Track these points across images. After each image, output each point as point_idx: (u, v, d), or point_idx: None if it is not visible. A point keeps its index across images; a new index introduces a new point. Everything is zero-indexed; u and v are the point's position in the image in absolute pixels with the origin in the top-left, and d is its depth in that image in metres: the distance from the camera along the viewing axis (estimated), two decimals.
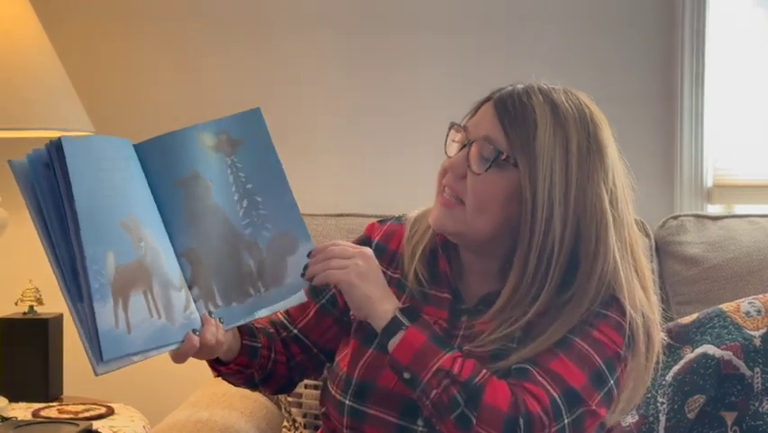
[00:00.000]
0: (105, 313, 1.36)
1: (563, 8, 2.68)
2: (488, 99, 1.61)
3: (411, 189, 2.45)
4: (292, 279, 1.53)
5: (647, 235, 2.39)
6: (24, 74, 2.30)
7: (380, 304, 1.52)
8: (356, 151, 2.73)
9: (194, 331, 1.46)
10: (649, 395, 2.05)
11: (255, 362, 1.64)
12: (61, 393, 2.51)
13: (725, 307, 2.13)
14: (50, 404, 2.39)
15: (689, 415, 2.03)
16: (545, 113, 1.54)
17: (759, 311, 2.10)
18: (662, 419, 2.03)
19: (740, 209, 2.66)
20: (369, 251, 1.56)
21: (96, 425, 2.22)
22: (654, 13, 2.65)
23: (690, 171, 2.64)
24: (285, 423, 2.21)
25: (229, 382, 1.72)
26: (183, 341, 1.45)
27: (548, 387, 1.46)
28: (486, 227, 1.55)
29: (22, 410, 2.34)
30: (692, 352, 2.06)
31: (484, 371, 1.46)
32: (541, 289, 1.52)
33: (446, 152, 1.62)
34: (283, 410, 2.19)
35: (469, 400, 1.44)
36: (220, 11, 2.74)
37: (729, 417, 2.04)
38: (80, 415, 2.29)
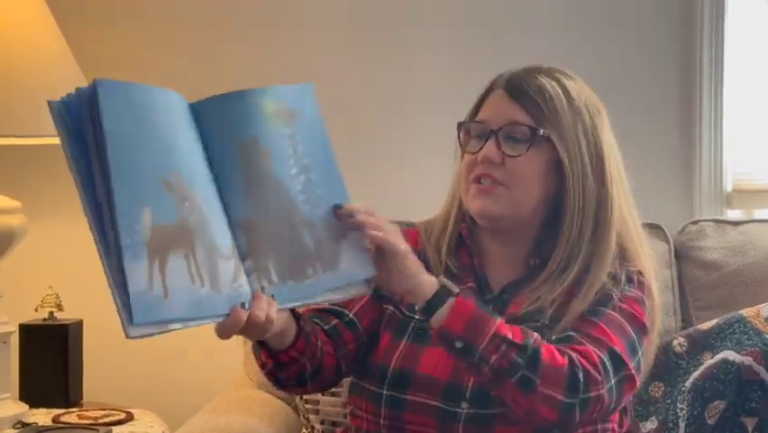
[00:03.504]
0: (138, 273, 1.27)
1: (581, 12, 2.67)
2: (490, 89, 1.69)
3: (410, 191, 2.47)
4: (346, 265, 1.44)
5: (666, 240, 2.38)
6: (42, 80, 2.31)
7: (425, 276, 1.50)
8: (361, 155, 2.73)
9: (242, 305, 1.36)
10: (668, 401, 2.04)
11: (309, 349, 1.58)
12: (81, 399, 2.51)
13: (745, 312, 2.12)
14: (70, 410, 2.40)
15: (709, 421, 2.02)
16: (554, 87, 1.64)
17: None
18: (682, 425, 2.02)
19: (760, 214, 2.64)
20: None
21: (115, 431, 2.22)
22: (673, 18, 2.64)
23: (709, 176, 2.63)
24: (304, 430, 2.21)
25: (278, 382, 1.63)
26: (229, 314, 1.36)
27: (594, 348, 1.53)
28: (531, 204, 1.64)
29: (42, 416, 2.35)
30: (712, 358, 2.05)
31: (536, 334, 1.52)
32: (575, 254, 1.62)
33: (465, 151, 1.67)
34: (302, 417, 2.19)
35: (529, 363, 1.47)
36: (237, 13, 2.74)
37: (750, 423, 2.03)
38: (100, 421, 2.30)
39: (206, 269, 1.32)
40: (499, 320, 1.50)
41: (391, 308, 1.67)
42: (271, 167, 1.41)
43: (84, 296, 2.67)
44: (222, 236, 1.35)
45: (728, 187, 2.65)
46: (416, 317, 1.62)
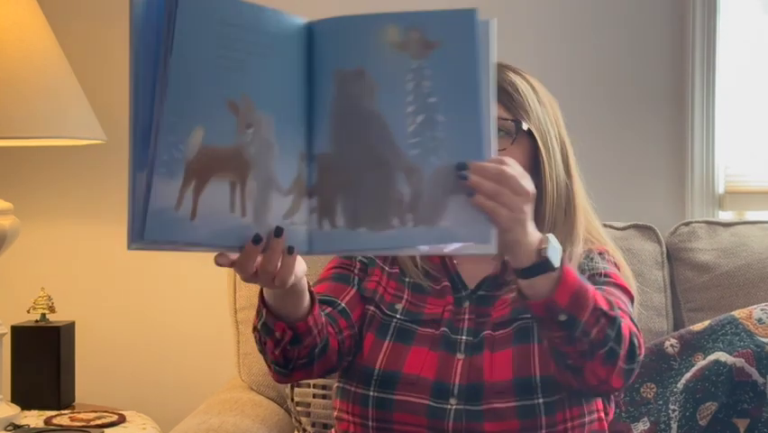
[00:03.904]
0: (166, 190, 1.21)
1: (572, 13, 2.67)
2: None
3: None
4: (449, 223, 1.28)
5: (658, 242, 2.38)
6: (35, 82, 2.31)
7: (532, 245, 1.39)
8: None
9: (289, 250, 1.29)
10: (660, 402, 2.05)
11: (320, 319, 1.55)
12: (73, 401, 2.51)
13: (737, 314, 2.12)
14: (62, 412, 2.39)
15: (701, 422, 2.02)
16: (523, 82, 1.67)
17: None
18: (674, 426, 2.02)
19: (752, 216, 2.65)
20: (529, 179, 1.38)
21: None
22: (665, 19, 2.65)
23: (701, 178, 2.63)
24: (295, 432, 2.21)
25: (287, 364, 1.56)
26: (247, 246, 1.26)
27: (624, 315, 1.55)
28: None
29: (33, 418, 2.35)
30: (704, 359, 2.06)
31: (612, 299, 1.52)
32: None
33: None
34: (293, 419, 2.20)
35: (616, 335, 1.47)
36: None
37: (742, 424, 2.04)
38: (92, 423, 2.30)
39: (254, 201, 1.26)
40: (592, 288, 1.46)
41: (372, 308, 1.68)
42: (375, 102, 1.28)
43: (76, 298, 2.67)
44: (285, 170, 1.27)
45: (720, 188, 2.65)
46: (398, 316, 1.66)
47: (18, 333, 2.46)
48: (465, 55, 1.28)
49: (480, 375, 1.59)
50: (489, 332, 1.62)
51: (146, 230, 1.20)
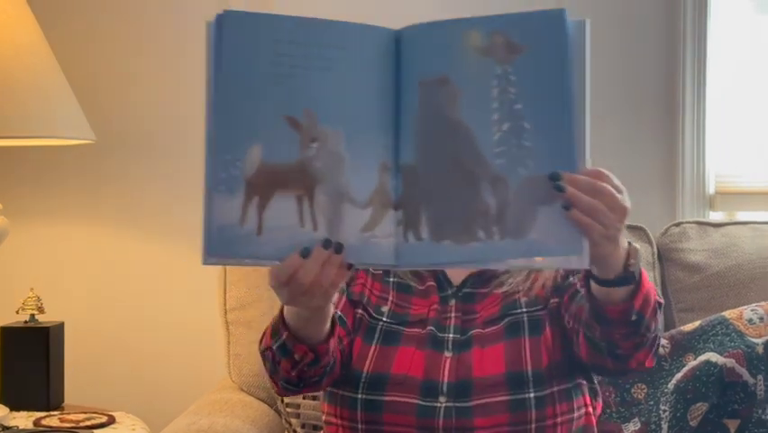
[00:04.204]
0: (228, 207, 1.23)
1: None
2: None
3: None
4: (538, 236, 1.23)
5: (649, 242, 2.38)
6: (23, 81, 2.30)
7: (621, 258, 1.35)
8: None
9: (348, 266, 1.27)
10: (651, 402, 2.05)
11: (336, 340, 1.54)
12: (63, 402, 2.50)
13: (727, 314, 2.12)
14: (52, 413, 2.38)
15: (691, 423, 2.02)
16: None
17: (762, 318, 2.09)
18: (665, 426, 2.02)
19: (742, 216, 2.65)
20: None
21: None
22: (656, 20, 2.65)
23: (691, 178, 2.63)
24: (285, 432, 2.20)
25: (300, 383, 1.55)
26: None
27: None
28: None
29: (23, 419, 2.34)
30: (695, 359, 2.06)
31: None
32: None
33: None
34: (283, 420, 2.19)
35: (660, 330, 1.50)
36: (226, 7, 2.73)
37: (732, 424, 2.04)
38: (81, 424, 2.29)
39: (326, 214, 1.25)
40: (650, 282, 1.44)
41: (360, 311, 1.67)
42: (458, 109, 1.24)
43: (65, 298, 2.66)
44: (361, 182, 1.25)
45: (711, 189, 2.65)
46: (384, 319, 1.65)
47: (7, 334, 2.45)
48: (554, 59, 1.23)
49: (469, 372, 1.59)
50: (478, 330, 1.63)
51: (211, 246, 1.23)
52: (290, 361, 1.49)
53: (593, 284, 1.41)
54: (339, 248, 1.27)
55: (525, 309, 1.64)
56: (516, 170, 1.23)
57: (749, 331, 2.08)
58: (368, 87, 1.26)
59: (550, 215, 1.23)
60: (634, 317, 1.42)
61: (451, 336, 1.63)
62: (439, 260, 1.28)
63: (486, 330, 1.63)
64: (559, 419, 1.60)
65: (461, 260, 1.27)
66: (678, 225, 2.44)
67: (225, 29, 1.23)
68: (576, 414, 1.63)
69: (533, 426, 1.58)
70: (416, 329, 1.63)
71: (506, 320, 1.63)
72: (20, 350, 2.43)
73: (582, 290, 1.50)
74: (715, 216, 2.66)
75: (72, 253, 2.76)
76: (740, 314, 2.11)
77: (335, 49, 1.25)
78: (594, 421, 1.67)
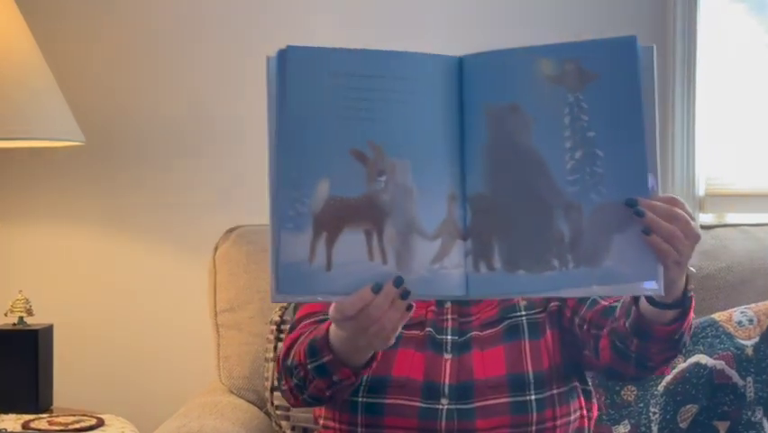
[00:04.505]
0: (296, 244, 1.22)
1: (554, 16, 2.67)
2: None
3: None
4: (613, 264, 1.23)
5: None
6: (12, 82, 2.29)
7: (683, 284, 1.37)
8: None
9: (408, 307, 1.26)
10: (641, 405, 2.05)
11: None
12: (51, 405, 2.49)
13: (717, 316, 2.13)
14: (40, 416, 2.38)
15: (681, 425, 2.02)
16: None
17: (751, 321, 2.10)
18: (655, 429, 2.02)
19: (732, 218, 2.65)
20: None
21: None
22: (646, 23, 2.65)
23: (682, 180, 2.63)
24: None
25: (328, 400, 1.55)
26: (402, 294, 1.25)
27: None
28: None
29: (11, 422, 2.33)
30: (684, 361, 2.06)
31: None
32: None
33: None
34: (273, 423, 2.19)
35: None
36: (213, 12, 2.73)
37: (722, 426, 2.04)
38: (70, 427, 2.28)
39: (395, 247, 1.24)
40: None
41: None
42: (530, 138, 1.24)
43: (54, 301, 2.65)
44: (427, 214, 1.25)
45: (701, 191, 2.66)
46: None
47: None
48: (626, 85, 1.23)
49: (471, 374, 1.59)
50: (476, 333, 1.63)
51: (280, 284, 1.22)
52: (327, 381, 1.47)
53: (645, 304, 1.41)
54: (406, 295, 1.27)
55: (524, 312, 1.64)
56: (590, 198, 1.24)
57: (739, 333, 2.08)
58: (433, 116, 1.26)
59: (624, 241, 1.23)
60: (677, 337, 1.44)
61: (449, 337, 1.62)
62: (512, 290, 1.28)
63: (484, 333, 1.63)
64: (558, 422, 1.60)
65: (536, 289, 1.27)
66: None
67: (289, 64, 1.23)
68: (572, 416, 1.63)
69: (533, 428, 1.58)
70: (414, 331, 1.63)
71: (504, 323, 1.63)
72: (8, 352, 2.42)
73: (617, 305, 1.51)
74: (705, 218, 2.67)
75: (61, 256, 2.75)
76: (730, 316, 2.11)
77: (399, 79, 1.25)
78: (587, 424, 1.68)
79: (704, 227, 2.43)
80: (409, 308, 1.29)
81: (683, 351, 1.53)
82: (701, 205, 2.66)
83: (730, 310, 2.13)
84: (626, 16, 2.65)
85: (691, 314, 1.43)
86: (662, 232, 1.25)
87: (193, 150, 2.72)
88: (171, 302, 2.72)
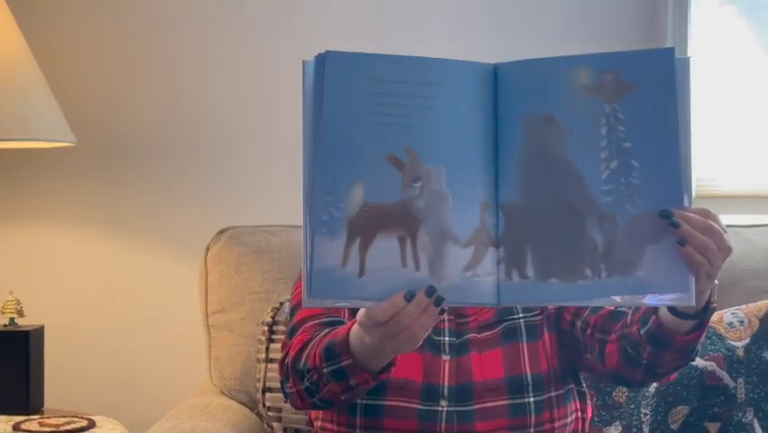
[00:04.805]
0: (330, 249, 1.23)
1: (543, 16, 2.68)
2: None
3: None
4: (646, 274, 1.25)
5: None
6: (3, 83, 2.28)
7: (708, 295, 1.39)
8: None
9: (441, 311, 1.26)
10: (632, 406, 2.05)
11: None
12: (42, 406, 2.49)
13: None
14: (31, 417, 2.37)
15: (672, 426, 2.03)
16: None
17: (742, 322, 2.10)
18: (646, 430, 2.03)
19: (722, 220, 2.65)
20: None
21: None
22: (636, 24, 2.66)
23: None
24: None
25: (340, 403, 1.55)
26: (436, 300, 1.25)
27: None
28: None
29: (2, 424, 2.32)
30: None
31: None
32: None
33: None
34: (265, 425, 2.18)
35: None
36: (205, 12, 2.72)
37: (713, 427, 2.04)
38: (61, 428, 2.27)
39: (428, 255, 1.25)
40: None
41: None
42: (566, 148, 1.25)
43: (45, 302, 2.65)
44: (461, 221, 1.26)
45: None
46: None
47: None
48: (663, 97, 1.25)
49: (470, 376, 1.59)
50: (473, 334, 1.63)
51: (313, 288, 1.23)
52: (343, 385, 1.46)
53: (665, 313, 1.42)
54: (439, 301, 1.27)
55: (521, 315, 1.64)
56: (625, 208, 1.25)
57: (729, 334, 2.09)
58: (469, 123, 1.26)
59: (657, 252, 1.25)
60: (693, 346, 1.46)
61: (446, 339, 1.62)
62: (544, 298, 1.29)
63: (481, 335, 1.63)
64: (556, 424, 1.61)
65: (567, 298, 1.27)
66: None
67: (328, 69, 1.23)
68: (569, 418, 1.64)
69: (531, 430, 1.58)
70: None
71: (502, 325, 1.63)
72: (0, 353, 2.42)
73: (626, 310, 1.52)
74: None
75: (52, 256, 2.74)
76: (720, 317, 2.12)
77: (435, 86, 1.25)
78: (581, 425, 1.68)
79: None
80: (442, 312, 1.29)
81: (695, 360, 1.53)
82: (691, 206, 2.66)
83: (721, 312, 2.14)
84: (618, 17, 2.66)
85: (708, 324, 1.45)
86: (696, 244, 1.26)
87: (184, 151, 2.72)
88: (163, 303, 2.72)
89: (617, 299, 1.28)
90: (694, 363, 2.03)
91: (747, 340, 2.08)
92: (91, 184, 2.73)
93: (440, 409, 1.58)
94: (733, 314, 2.12)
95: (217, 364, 2.30)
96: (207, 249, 2.33)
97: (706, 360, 2.05)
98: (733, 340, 2.08)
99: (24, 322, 2.47)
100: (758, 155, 2.68)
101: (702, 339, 1.47)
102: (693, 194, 2.65)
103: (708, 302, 1.39)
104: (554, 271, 1.26)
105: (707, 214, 1.30)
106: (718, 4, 2.67)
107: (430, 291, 1.26)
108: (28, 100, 2.33)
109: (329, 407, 1.59)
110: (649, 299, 1.29)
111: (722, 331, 2.09)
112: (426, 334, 1.33)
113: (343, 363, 1.43)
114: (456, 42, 2.66)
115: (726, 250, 1.30)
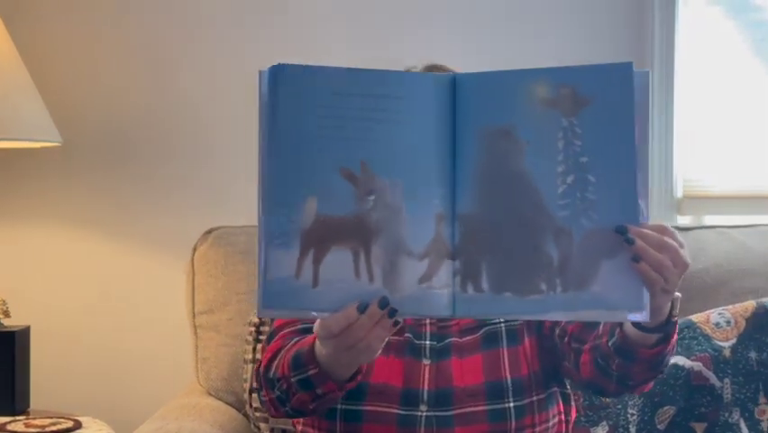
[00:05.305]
0: (283, 260, 1.23)
1: (530, 16, 2.68)
2: None
3: None
4: (601, 289, 1.24)
5: None
6: None
7: (668, 309, 1.38)
8: None
9: (395, 323, 1.26)
10: (619, 406, 2.05)
11: None
12: (28, 407, 2.48)
13: (695, 318, 2.13)
14: (17, 418, 2.36)
15: (659, 426, 2.03)
16: None
17: (729, 322, 2.11)
18: (633, 430, 2.03)
19: (710, 220, 2.67)
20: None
21: None
22: (623, 24, 2.66)
23: (659, 183, 2.64)
24: None
25: (310, 413, 1.54)
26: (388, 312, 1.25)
27: None
28: None
29: None
30: None
31: None
32: None
33: None
34: (252, 425, 2.18)
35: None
36: (194, 13, 2.72)
37: (699, 428, 2.05)
38: (47, 429, 2.27)
39: (382, 267, 1.25)
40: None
41: None
42: (523, 162, 1.25)
43: (31, 302, 2.64)
44: (415, 234, 1.26)
45: (679, 193, 2.67)
46: None
47: None
48: (621, 111, 1.24)
49: (449, 381, 1.59)
50: (455, 339, 1.62)
51: (266, 299, 1.24)
52: (311, 394, 1.46)
53: (629, 326, 1.41)
54: (393, 313, 1.27)
55: (502, 320, 1.64)
56: (580, 223, 1.24)
57: (716, 335, 2.09)
58: (425, 135, 1.26)
59: (612, 268, 1.24)
60: (659, 359, 1.45)
61: (428, 343, 1.62)
62: (499, 311, 1.29)
63: (463, 339, 1.62)
64: (537, 429, 1.60)
65: (522, 312, 1.27)
66: None
67: (280, 83, 1.23)
68: (551, 423, 1.63)
69: None
70: (394, 336, 1.61)
71: (483, 330, 1.63)
72: None
73: (605, 326, 1.51)
74: (682, 220, 2.68)
75: (38, 257, 2.74)
76: (707, 318, 2.12)
77: (392, 99, 1.25)
78: (565, 428, 1.68)
79: (682, 229, 2.44)
80: (396, 324, 1.30)
81: (665, 372, 1.53)
82: (679, 207, 2.67)
83: (708, 312, 2.14)
84: (604, 19, 2.66)
85: (675, 337, 1.44)
86: (651, 260, 1.25)
87: (172, 151, 2.71)
88: (149, 304, 2.71)
89: (572, 314, 1.28)
90: (681, 364, 2.04)
91: (734, 340, 2.08)
92: (77, 184, 2.73)
93: (419, 414, 1.57)
94: (720, 314, 2.12)
95: (204, 365, 2.30)
96: (194, 249, 2.33)
97: (693, 360, 2.05)
98: (719, 340, 2.08)
99: (10, 323, 2.47)
100: (746, 156, 2.69)
101: (671, 351, 1.46)
102: (680, 194, 2.69)
103: (670, 316, 1.38)
104: (509, 285, 1.26)
105: (663, 230, 1.28)
106: (705, 4, 2.67)
107: (383, 303, 1.26)
108: (14, 100, 2.33)
109: (301, 415, 1.59)
110: (602, 315, 1.29)
111: (709, 331, 2.09)
112: (383, 344, 1.33)
113: (310, 373, 1.43)
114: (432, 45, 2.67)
115: (682, 266, 1.29)
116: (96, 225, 2.72)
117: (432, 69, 1.66)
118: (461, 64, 1.68)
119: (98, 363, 2.73)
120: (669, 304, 1.36)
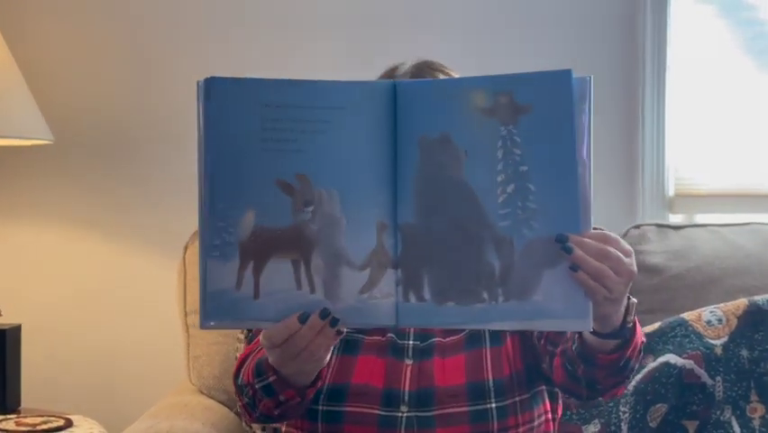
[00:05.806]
0: (223, 272, 1.24)
1: (522, 16, 2.68)
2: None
3: None
4: (542, 298, 1.23)
5: None
6: None
7: (620, 316, 1.36)
8: None
9: (338, 332, 1.28)
10: (611, 404, 2.05)
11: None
12: (19, 405, 2.47)
13: (686, 316, 2.14)
14: (8, 416, 2.36)
15: (651, 424, 2.03)
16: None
17: (720, 320, 2.11)
18: (625, 428, 2.03)
19: (701, 218, 2.67)
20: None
21: None
22: (615, 22, 2.66)
23: (651, 181, 2.65)
24: None
25: (278, 419, 1.55)
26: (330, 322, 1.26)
27: None
28: None
29: None
30: (654, 361, 2.07)
31: None
32: None
33: None
34: (244, 424, 2.18)
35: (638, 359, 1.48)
36: (184, 11, 2.71)
37: (691, 426, 2.05)
38: (38, 427, 2.26)
39: (322, 277, 1.26)
40: (639, 327, 1.45)
41: None
42: (462, 170, 1.24)
43: (22, 300, 2.63)
44: (359, 243, 1.25)
45: (670, 191, 2.67)
46: (344, 329, 1.62)
47: None
48: (559, 119, 1.22)
49: (431, 381, 1.58)
50: (438, 339, 1.61)
51: (207, 311, 1.24)
52: (274, 401, 1.47)
53: (587, 333, 1.41)
54: (335, 323, 1.27)
55: None
56: (522, 232, 1.23)
57: (708, 333, 2.10)
58: (363, 145, 1.26)
59: (554, 277, 1.23)
60: (622, 363, 1.44)
61: (411, 342, 1.61)
62: (442, 321, 1.28)
63: (446, 339, 1.61)
64: (521, 429, 1.59)
65: (464, 321, 1.26)
66: (637, 227, 2.45)
67: (212, 96, 1.24)
68: (536, 422, 1.62)
69: None
70: (376, 336, 1.61)
71: (466, 330, 1.62)
72: None
73: (569, 332, 1.50)
74: (674, 218, 2.68)
75: (29, 255, 2.73)
76: (699, 316, 2.12)
77: (327, 109, 1.25)
78: (552, 427, 1.67)
79: (673, 227, 2.44)
80: (339, 333, 1.30)
81: (631, 377, 1.51)
82: (671, 205, 2.67)
83: (699, 310, 2.14)
84: (596, 17, 2.66)
85: (636, 340, 1.43)
86: (590, 269, 1.24)
87: (163, 149, 2.71)
88: (141, 302, 2.71)
89: (514, 323, 1.27)
90: (673, 362, 2.04)
91: (725, 338, 2.08)
92: (69, 182, 2.72)
93: (400, 415, 1.56)
94: (711, 312, 2.12)
95: (196, 363, 2.30)
96: (186, 248, 2.33)
97: (684, 358, 2.05)
98: (711, 338, 2.08)
99: (1, 321, 2.46)
100: (737, 154, 2.69)
101: (635, 356, 1.45)
102: (672, 192, 2.69)
103: (625, 322, 1.37)
104: (451, 295, 1.25)
105: (605, 239, 1.26)
106: (696, 2, 2.67)
107: (324, 313, 1.27)
108: (5, 98, 2.32)
109: (271, 421, 1.59)
110: (545, 325, 1.29)
111: (700, 329, 2.10)
112: (328, 353, 1.34)
113: (270, 380, 1.44)
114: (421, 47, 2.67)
115: (626, 274, 1.27)
116: (86, 223, 2.72)
117: (422, 66, 1.66)
118: (458, 68, 1.69)
119: (90, 361, 2.73)
120: (619, 311, 1.34)
